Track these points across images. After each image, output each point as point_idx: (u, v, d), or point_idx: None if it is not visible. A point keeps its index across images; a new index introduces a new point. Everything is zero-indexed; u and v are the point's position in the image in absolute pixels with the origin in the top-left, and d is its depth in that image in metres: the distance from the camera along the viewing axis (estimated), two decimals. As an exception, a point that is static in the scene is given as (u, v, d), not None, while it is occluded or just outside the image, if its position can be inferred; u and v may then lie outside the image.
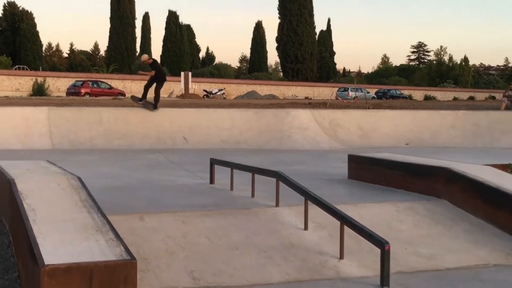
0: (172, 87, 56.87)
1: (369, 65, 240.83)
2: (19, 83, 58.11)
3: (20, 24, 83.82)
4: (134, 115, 18.92)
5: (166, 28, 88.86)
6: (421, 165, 9.82)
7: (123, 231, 6.72)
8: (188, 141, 18.08)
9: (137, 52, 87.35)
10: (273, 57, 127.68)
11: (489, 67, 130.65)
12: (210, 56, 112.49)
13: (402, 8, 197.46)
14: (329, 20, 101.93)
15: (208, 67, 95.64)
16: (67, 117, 18.17)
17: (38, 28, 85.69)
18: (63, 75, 65.36)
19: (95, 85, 50.05)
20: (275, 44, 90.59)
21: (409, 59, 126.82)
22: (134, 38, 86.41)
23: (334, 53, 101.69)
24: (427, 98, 60.74)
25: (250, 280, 6.49)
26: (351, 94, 53.14)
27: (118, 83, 60.35)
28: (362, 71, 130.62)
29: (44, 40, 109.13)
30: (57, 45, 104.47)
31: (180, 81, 51.13)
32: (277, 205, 8.39)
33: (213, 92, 56.97)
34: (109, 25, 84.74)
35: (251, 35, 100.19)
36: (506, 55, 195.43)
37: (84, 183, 7.11)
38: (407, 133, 20.25)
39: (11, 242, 6.95)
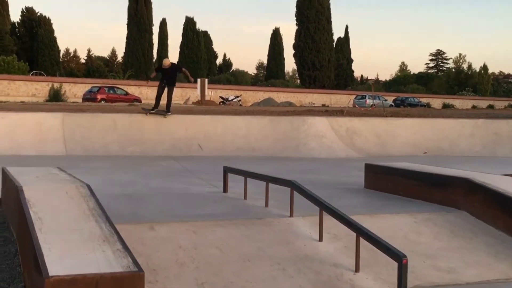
0: (188, 93, 56.87)
1: (387, 73, 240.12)
2: (35, 88, 58.37)
3: (38, 30, 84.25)
4: (149, 122, 18.80)
5: (183, 35, 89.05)
6: (440, 175, 9.58)
7: (132, 241, 6.56)
8: (203, 149, 17.92)
9: (154, 58, 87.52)
10: (290, 64, 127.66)
11: (509, 75, 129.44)
12: (227, 63, 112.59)
13: (421, 15, 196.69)
14: (346, 27, 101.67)
15: (225, 73, 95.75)
16: (81, 123, 18.08)
17: (55, 34, 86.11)
18: (79, 80, 65.61)
19: (111, 91, 50.03)
20: (293, 51, 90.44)
21: (427, 67, 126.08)
22: (151, 45, 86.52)
23: (351, 61, 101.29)
24: (445, 106, 60.23)
25: (262, 293, 6.28)
26: (369, 101, 52.76)
27: (134, 89, 60.41)
28: (380, 79, 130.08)
29: (62, 46, 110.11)
30: (75, 51, 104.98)
31: (196, 87, 50.99)
32: (291, 215, 8.18)
33: (230, 99, 56.83)
34: (126, 31, 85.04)
35: (268, 42, 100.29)
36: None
37: (93, 191, 6.94)
38: (425, 142, 19.96)
39: (17, 251, 6.79)
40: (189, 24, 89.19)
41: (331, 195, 9.34)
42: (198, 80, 51.30)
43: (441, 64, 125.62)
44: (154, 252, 6.79)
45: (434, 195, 9.42)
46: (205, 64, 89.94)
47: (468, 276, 7.05)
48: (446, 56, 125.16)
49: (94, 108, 26.71)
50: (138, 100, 48.92)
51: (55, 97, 46.27)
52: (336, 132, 19.78)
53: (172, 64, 19.96)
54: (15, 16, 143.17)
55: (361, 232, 6.73)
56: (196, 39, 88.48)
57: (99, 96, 47.36)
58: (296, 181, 8.32)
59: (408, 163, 11.38)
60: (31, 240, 5.53)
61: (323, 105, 58.97)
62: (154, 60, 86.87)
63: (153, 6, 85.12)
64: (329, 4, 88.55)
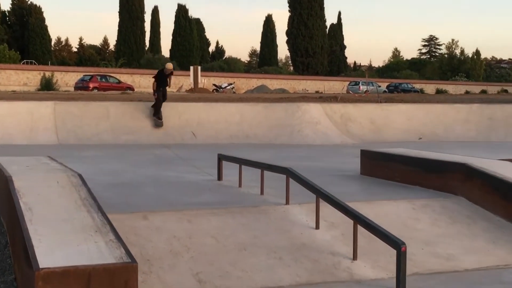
0: (181, 81, 56.58)
1: (379, 59, 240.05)
2: (27, 77, 57.96)
3: (29, 19, 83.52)
4: (142, 110, 18.61)
5: (175, 22, 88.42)
6: (437, 161, 9.47)
7: (125, 231, 6.44)
8: (197, 136, 17.76)
9: (146, 46, 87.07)
10: (283, 51, 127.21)
11: (501, 61, 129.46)
12: (219, 50, 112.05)
13: (413, 1, 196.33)
14: (339, 14, 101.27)
15: (217, 61, 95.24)
16: (74, 111, 17.88)
17: (46, 23, 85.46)
18: (71, 69, 65.23)
19: (103, 80, 49.72)
20: (285, 38, 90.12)
21: (420, 53, 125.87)
22: (143, 32, 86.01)
23: (344, 47, 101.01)
24: (438, 92, 60.15)
25: (259, 283, 6.17)
26: (362, 88, 52.64)
27: (127, 77, 60.09)
28: (373, 65, 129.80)
29: (53, 35, 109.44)
30: (66, 40, 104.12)
31: (189, 75, 50.72)
32: (287, 203, 8.06)
33: (223, 86, 56.60)
34: (118, 19, 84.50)
35: (261, 29, 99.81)
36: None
37: (84, 180, 6.79)
38: (420, 127, 19.84)
39: (8, 243, 6.64)
40: (181, 11, 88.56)
41: (327, 182, 9.21)
42: (191, 68, 51.08)
43: (434, 49, 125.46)
44: (147, 242, 6.66)
45: (431, 181, 9.31)
46: (198, 52, 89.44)
47: (467, 262, 6.95)
48: (438, 42, 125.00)
49: (86, 96, 26.52)
50: (130, 88, 48.63)
51: (47, 86, 45.98)
52: (330, 119, 19.64)
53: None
54: (5, 5, 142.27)
55: (358, 220, 6.62)
56: (188, 27, 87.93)
57: (91, 85, 47.08)
58: (292, 168, 8.19)
59: (405, 149, 11.27)
60: (21, 231, 5.39)
61: (317, 92, 58.86)
62: (146, 48, 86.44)
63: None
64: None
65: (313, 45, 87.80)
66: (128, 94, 35.14)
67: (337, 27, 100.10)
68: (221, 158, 10.17)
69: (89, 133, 17.21)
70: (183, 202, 8.26)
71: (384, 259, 6.74)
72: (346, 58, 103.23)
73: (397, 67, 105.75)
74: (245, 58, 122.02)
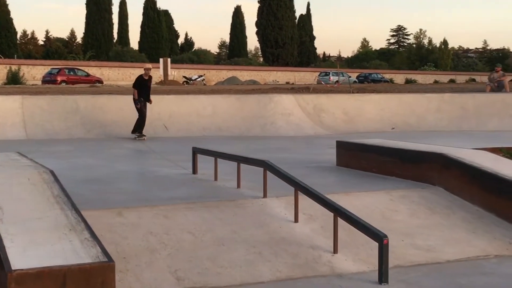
0: (151, 73, 55.91)
1: (349, 49, 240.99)
2: (-8, 71, 56.96)
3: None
4: (112, 103, 18.33)
5: (143, 14, 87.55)
6: (414, 151, 9.41)
7: (100, 228, 6.26)
8: (169, 129, 17.53)
9: (114, 38, 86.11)
10: (252, 42, 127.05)
11: (468, 50, 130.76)
12: (189, 42, 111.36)
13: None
14: (308, 4, 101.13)
15: (187, 53, 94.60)
16: (42, 106, 17.52)
17: (12, 16, 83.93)
18: (38, 62, 64.19)
19: (71, 73, 49.06)
20: (255, 29, 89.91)
21: (388, 43, 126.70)
22: (111, 25, 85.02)
23: (314, 38, 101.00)
24: (408, 81, 60.33)
25: (238, 279, 6.02)
26: (333, 78, 52.76)
27: (95, 70, 59.28)
28: (342, 56, 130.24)
29: (19, 28, 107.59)
30: (32, 33, 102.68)
31: (159, 67, 50.31)
32: (264, 196, 7.93)
33: (193, 78, 56.29)
34: (85, 11, 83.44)
35: (230, 20, 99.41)
36: (484, 38, 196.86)
37: (57, 177, 6.58)
38: (393, 117, 19.85)
39: (-22, 243, 6.40)
40: (150, 3, 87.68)
41: (303, 174, 9.10)
42: (161, 60, 50.70)
43: (402, 39, 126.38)
44: (123, 239, 6.48)
45: (408, 171, 9.25)
46: (167, 44, 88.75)
47: (448, 254, 6.89)
48: (407, 32, 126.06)
49: (54, 90, 26.11)
50: (99, 81, 48.06)
51: (14, 80, 45.13)
52: (303, 110, 19.55)
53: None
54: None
55: (339, 213, 6.51)
56: (157, 19, 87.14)
57: (59, 78, 46.42)
58: (269, 160, 8.06)
59: (381, 140, 11.21)
60: (-8, 232, 5.18)
61: (287, 83, 58.82)
62: (114, 40, 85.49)
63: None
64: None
65: (283, 36, 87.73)
66: (97, 87, 34.75)
67: (306, 17, 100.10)
68: (196, 151, 9.99)
69: (58, 128, 16.87)
70: (158, 197, 8.09)
71: (364, 252, 6.65)
72: (315, 49, 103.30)
73: (366, 58, 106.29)
74: (214, 49, 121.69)
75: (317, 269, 6.33)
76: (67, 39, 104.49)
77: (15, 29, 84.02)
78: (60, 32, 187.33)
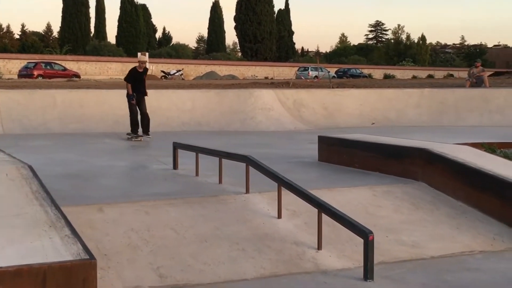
0: (129, 68, 55.55)
1: (327, 45, 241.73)
2: (-34, 66, 56.24)
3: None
4: (90, 98, 18.13)
5: (121, 8, 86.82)
6: (397, 146, 9.37)
7: (80, 224, 6.12)
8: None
9: (91, 32, 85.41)
10: (231, 37, 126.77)
11: (446, 46, 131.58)
12: (167, 37, 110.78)
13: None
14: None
15: (165, 47, 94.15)
16: (19, 100, 17.26)
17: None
18: (14, 56, 63.50)
19: (48, 67, 48.59)
20: (233, 24, 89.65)
21: (367, 38, 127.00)
22: (88, 18, 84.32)
23: (292, 33, 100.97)
24: (386, 76, 60.51)
25: (222, 276, 5.92)
26: (312, 73, 52.77)
27: (72, 64, 58.74)
28: (321, 51, 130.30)
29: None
30: (8, 26, 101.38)
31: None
32: (247, 191, 7.84)
33: (171, 73, 55.98)
34: (61, 5, 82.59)
35: (208, 15, 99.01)
36: (462, 34, 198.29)
37: (35, 172, 6.42)
38: (372, 112, 19.84)
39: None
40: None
41: (285, 169, 8.98)
42: (139, 54, 50.31)
43: (380, 35, 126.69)
44: (104, 235, 6.35)
45: (391, 166, 9.20)
46: (145, 38, 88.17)
47: (432, 249, 6.84)
48: (385, 27, 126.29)
49: (31, 84, 25.79)
50: (76, 75, 47.63)
51: (-12, 74, 44.66)
52: (283, 105, 19.48)
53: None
54: None
55: (323, 208, 6.44)
56: (134, 13, 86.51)
57: (35, 72, 45.96)
58: (251, 155, 7.96)
59: (364, 135, 11.15)
60: (-31, 229, 5.03)
61: (266, 78, 58.71)
62: (91, 35, 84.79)
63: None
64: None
65: (262, 30, 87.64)
66: (74, 81, 34.40)
67: (285, 12, 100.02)
68: (176, 146, 9.85)
69: (35, 122, 16.62)
70: (139, 193, 7.96)
71: (349, 248, 6.59)
72: (294, 44, 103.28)
73: (344, 53, 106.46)
74: (192, 44, 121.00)
75: (301, 265, 6.25)
76: (43, 33, 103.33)
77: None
78: (36, 25, 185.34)
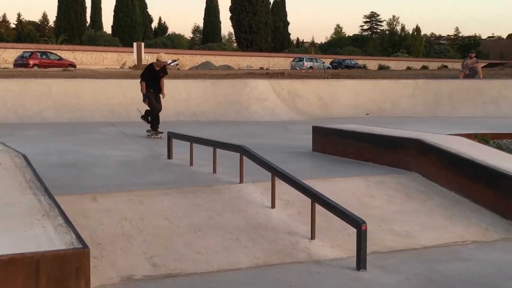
0: (125, 58, 55.52)
1: (322, 35, 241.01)
2: (-37, 54, 56.05)
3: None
4: (86, 87, 18.05)
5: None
6: (391, 137, 9.40)
7: (74, 213, 6.14)
8: (143, 113, 17.30)
9: (87, 22, 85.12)
10: (226, 27, 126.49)
11: (440, 37, 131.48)
12: (162, 27, 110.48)
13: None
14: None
15: (161, 37, 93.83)
16: (14, 89, 17.20)
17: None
18: (10, 46, 63.26)
19: (44, 56, 48.41)
20: (229, 14, 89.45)
21: (362, 29, 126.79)
22: (84, 8, 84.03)
23: (288, 23, 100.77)
24: (381, 67, 60.42)
25: (215, 266, 5.95)
26: (306, 64, 52.72)
27: (68, 54, 58.61)
28: (316, 41, 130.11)
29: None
30: (4, 16, 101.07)
31: (132, 52, 49.84)
32: (241, 181, 7.86)
33: (167, 62, 55.84)
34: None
35: (204, 5, 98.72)
36: (456, 25, 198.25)
37: (29, 161, 6.44)
38: (367, 103, 19.85)
39: None
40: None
41: (279, 159, 9.01)
42: (134, 44, 50.18)
43: (375, 26, 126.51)
44: (98, 225, 6.37)
45: (385, 157, 9.23)
46: (140, 28, 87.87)
47: (425, 239, 6.88)
48: (380, 19, 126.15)
49: (26, 73, 25.70)
50: (72, 65, 47.50)
51: (-16, 63, 44.48)
52: (278, 95, 19.46)
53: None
54: None
55: (316, 198, 6.46)
56: (130, 2, 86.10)
57: (31, 62, 45.78)
58: (246, 145, 7.98)
59: (358, 125, 11.19)
60: (-38, 218, 5.03)
61: (261, 68, 58.63)
62: (87, 24, 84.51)
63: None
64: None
65: (257, 21, 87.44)
66: (70, 71, 34.29)
67: (281, 3, 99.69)
68: (171, 136, 9.87)
69: (31, 112, 16.60)
70: (133, 182, 7.96)
71: (342, 238, 6.62)
72: (289, 34, 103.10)
73: (339, 44, 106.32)
74: (188, 34, 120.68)
75: (294, 255, 6.28)
76: (39, 23, 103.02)
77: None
78: (32, 15, 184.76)
